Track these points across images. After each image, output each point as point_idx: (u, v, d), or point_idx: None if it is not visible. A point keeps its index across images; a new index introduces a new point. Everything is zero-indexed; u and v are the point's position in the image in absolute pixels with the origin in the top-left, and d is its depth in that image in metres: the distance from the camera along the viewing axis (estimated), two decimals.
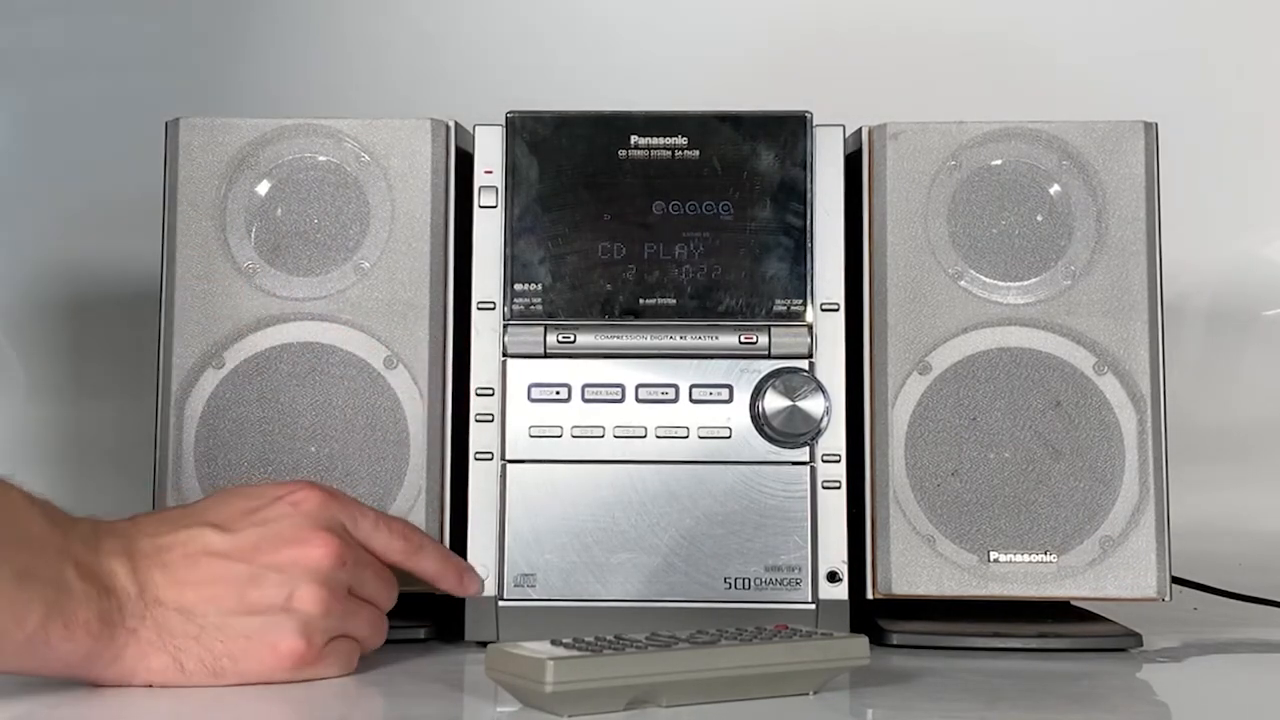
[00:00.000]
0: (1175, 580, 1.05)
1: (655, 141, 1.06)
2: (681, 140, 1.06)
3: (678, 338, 1.05)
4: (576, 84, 1.61)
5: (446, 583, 0.99)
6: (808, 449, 1.04)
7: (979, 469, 1.04)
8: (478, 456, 1.04)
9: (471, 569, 1.02)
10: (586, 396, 1.04)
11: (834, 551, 1.03)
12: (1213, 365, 1.67)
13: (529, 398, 1.04)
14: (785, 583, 1.02)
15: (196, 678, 0.87)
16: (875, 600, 1.04)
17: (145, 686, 0.86)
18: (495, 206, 1.07)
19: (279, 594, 0.89)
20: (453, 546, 1.04)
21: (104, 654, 0.84)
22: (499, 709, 0.86)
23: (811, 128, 1.07)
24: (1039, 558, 1.03)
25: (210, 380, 1.05)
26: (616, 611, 1.01)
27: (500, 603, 1.02)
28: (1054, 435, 1.04)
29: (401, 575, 0.97)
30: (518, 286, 1.05)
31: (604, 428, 1.04)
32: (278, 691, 0.87)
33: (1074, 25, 1.68)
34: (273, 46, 1.66)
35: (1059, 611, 1.09)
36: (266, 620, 0.88)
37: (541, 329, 1.05)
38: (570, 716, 0.80)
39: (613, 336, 1.05)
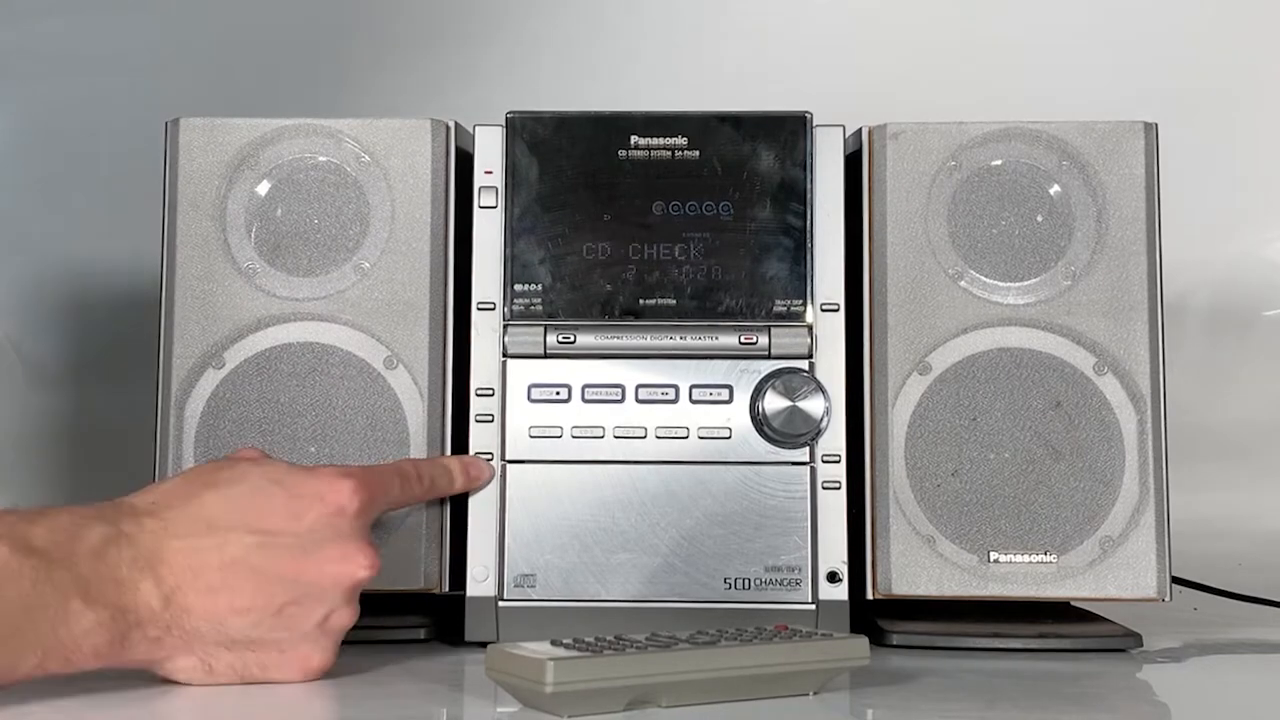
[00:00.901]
0: (1175, 580, 1.05)
1: (655, 142, 1.06)
2: (681, 140, 1.06)
3: (678, 338, 1.05)
4: (576, 84, 1.61)
5: (461, 488, 1.03)
6: (808, 449, 1.04)
7: (979, 469, 1.04)
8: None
9: (471, 460, 1.03)
10: (586, 397, 1.04)
11: (834, 552, 1.03)
12: (1213, 365, 1.67)
13: (529, 398, 1.04)
14: (785, 583, 1.02)
15: (223, 679, 0.86)
16: (875, 600, 1.04)
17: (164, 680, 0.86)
18: (495, 207, 1.07)
19: (318, 613, 0.87)
20: (453, 546, 1.04)
21: (117, 661, 0.83)
22: (499, 709, 0.86)
23: (811, 128, 1.07)
24: (1039, 558, 1.03)
25: (210, 380, 1.05)
26: (616, 611, 1.01)
27: (500, 603, 1.02)
28: (1054, 436, 1.04)
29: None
30: (518, 287, 1.05)
31: (604, 428, 1.04)
32: (276, 692, 0.87)
33: (1074, 25, 1.68)
34: (273, 46, 1.66)
35: (1059, 611, 1.09)
36: (302, 635, 0.87)
37: (541, 329, 1.05)
38: (570, 717, 0.80)
39: (613, 337, 1.05)
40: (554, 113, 1.07)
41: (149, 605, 0.83)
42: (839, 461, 1.04)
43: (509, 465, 1.04)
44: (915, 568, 1.03)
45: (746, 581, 1.02)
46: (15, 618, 0.79)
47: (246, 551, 0.85)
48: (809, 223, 1.06)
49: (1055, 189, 1.06)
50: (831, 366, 1.05)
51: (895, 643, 1.03)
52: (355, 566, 0.88)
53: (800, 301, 1.05)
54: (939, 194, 1.06)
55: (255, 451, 0.94)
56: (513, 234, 1.06)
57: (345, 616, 0.89)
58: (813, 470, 1.04)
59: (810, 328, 1.05)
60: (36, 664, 0.80)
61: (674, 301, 1.05)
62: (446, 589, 1.04)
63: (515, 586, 1.02)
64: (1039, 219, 1.06)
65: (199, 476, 0.89)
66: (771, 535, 1.02)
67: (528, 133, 1.07)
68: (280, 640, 0.87)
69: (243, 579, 0.85)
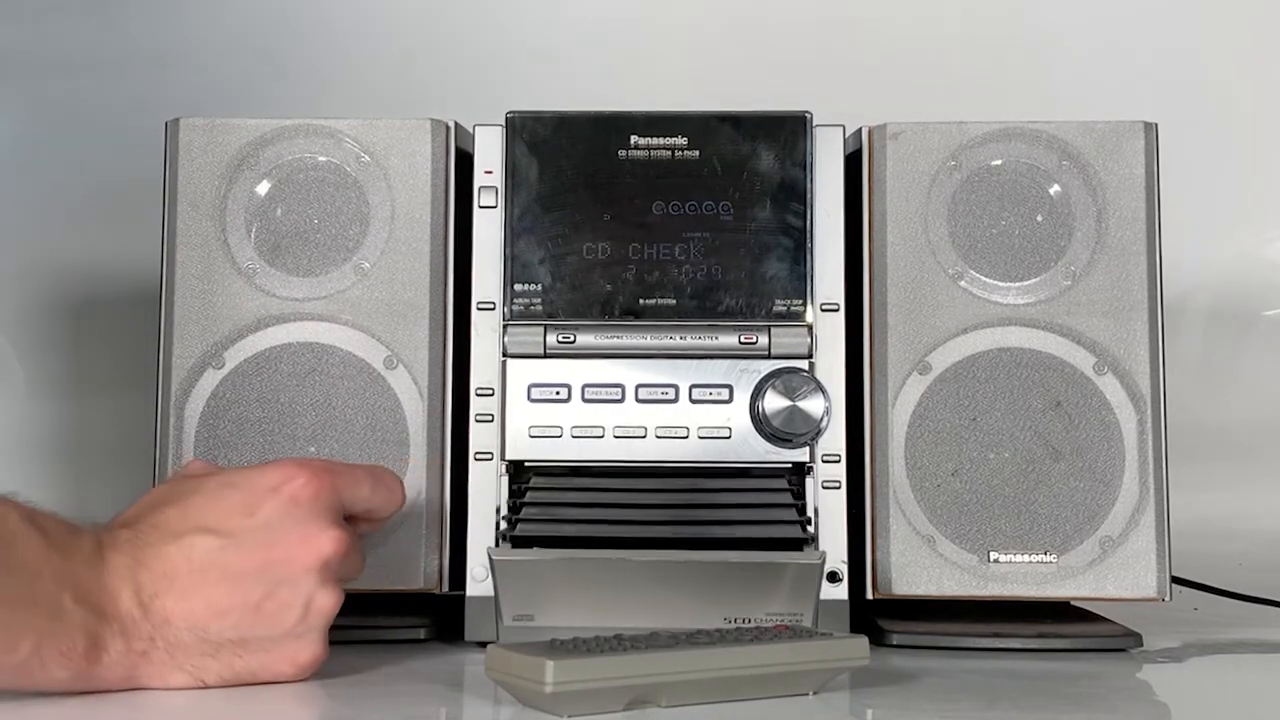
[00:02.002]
0: (1175, 580, 1.05)
1: (655, 141, 1.06)
2: (681, 140, 1.06)
3: (678, 338, 1.05)
4: (576, 84, 1.61)
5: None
6: (808, 449, 1.04)
7: (979, 469, 1.04)
8: (478, 456, 1.05)
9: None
10: (586, 396, 1.04)
11: (834, 552, 1.03)
12: (1213, 365, 1.67)
13: (529, 398, 1.04)
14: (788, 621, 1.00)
15: (216, 685, 0.86)
16: (875, 600, 1.04)
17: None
18: (495, 207, 1.07)
19: (296, 603, 0.87)
20: (453, 546, 1.04)
21: (105, 676, 0.83)
22: (499, 709, 0.86)
23: (811, 128, 1.07)
24: (1039, 558, 1.03)
25: (210, 380, 1.05)
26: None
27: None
28: (1054, 435, 1.04)
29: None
30: (518, 287, 1.05)
31: (604, 428, 1.04)
32: (275, 692, 0.87)
33: (1074, 24, 1.68)
34: (273, 46, 1.66)
35: (1059, 611, 1.09)
36: (285, 632, 0.87)
37: (541, 329, 1.05)
38: (570, 716, 0.80)
39: (613, 336, 1.05)
40: (554, 112, 1.07)
41: (130, 614, 0.83)
42: (839, 461, 1.04)
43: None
44: (915, 568, 1.03)
45: (747, 620, 1.00)
46: (24, 580, 0.79)
47: (211, 554, 0.85)
48: (809, 223, 1.06)
49: (1055, 189, 1.06)
50: (831, 366, 1.05)
51: (895, 643, 1.03)
52: (319, 544, 0.87)
53: (800, 301, 1.05)
54: (939, 194, 1.06)
55: (202, 464, 0.95)
56: (513, 234, 1.06)
57: (326, 601, 0.88)
58: (812, 470, 1.04)
59: (810, 327, 1.05)
60: (32, 648, 0.80)
61: (674, 301, 1.05)
62: (446, 589, 1.04)
63: (513, 620, 1.00)
64: (1039, 219, 1.06)
65: (156, 496, 0.90)
66: (779, 592, 0.99)
67: (527, 132, 1.07)
68: (264, 639, 0.86)
69: (214, 581, 0.85)
